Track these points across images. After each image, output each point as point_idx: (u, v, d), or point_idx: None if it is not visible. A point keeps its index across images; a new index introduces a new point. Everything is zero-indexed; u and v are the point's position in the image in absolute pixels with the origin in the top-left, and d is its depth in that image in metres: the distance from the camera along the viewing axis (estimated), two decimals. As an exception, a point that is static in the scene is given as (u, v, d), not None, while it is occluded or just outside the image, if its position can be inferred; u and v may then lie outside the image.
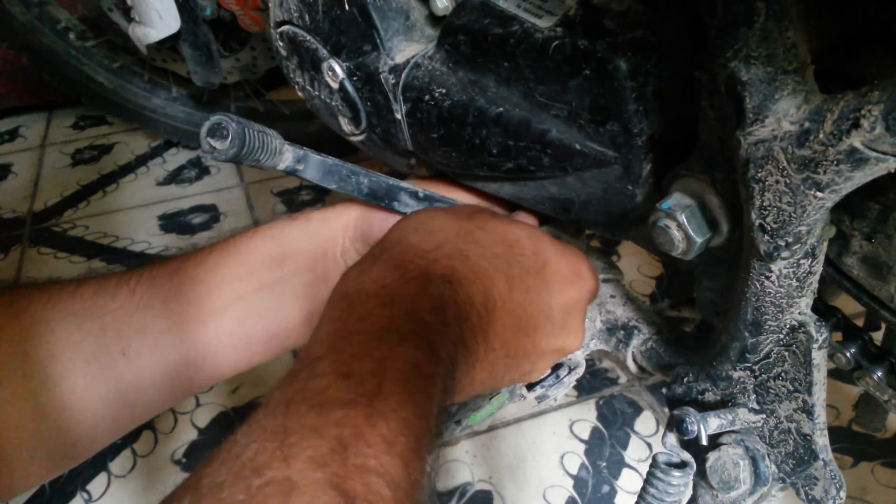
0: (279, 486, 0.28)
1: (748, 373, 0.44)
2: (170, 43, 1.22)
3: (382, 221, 0.55)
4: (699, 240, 0.41)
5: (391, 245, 0.45)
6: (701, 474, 0.46)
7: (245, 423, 0.32)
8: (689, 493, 0.45)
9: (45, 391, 0.47)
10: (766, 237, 0.37)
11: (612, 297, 0.59)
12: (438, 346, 0.38)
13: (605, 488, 0.89)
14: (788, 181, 0.34)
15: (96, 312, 0.49)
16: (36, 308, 0.48)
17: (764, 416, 0.44)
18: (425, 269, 0.42)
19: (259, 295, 0.52)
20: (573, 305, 0.49)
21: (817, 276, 0.40)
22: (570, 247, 0.51)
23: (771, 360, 0.43)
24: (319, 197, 1.49)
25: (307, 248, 0.54)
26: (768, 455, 0.45)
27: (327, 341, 0.38)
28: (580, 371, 0.59)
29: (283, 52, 0.59)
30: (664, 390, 0.51)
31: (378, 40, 0.52)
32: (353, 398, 0.33)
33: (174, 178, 1.60)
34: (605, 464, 0.92)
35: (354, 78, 0.54)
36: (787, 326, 0.41)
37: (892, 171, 0.31)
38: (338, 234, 0.55)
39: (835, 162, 0.32)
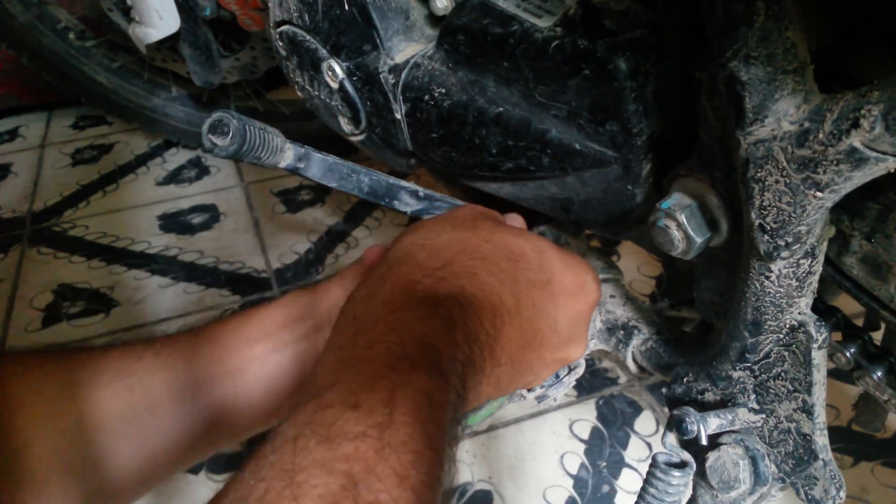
0: None
1: (748, 373, 0.44)
2: (170, 43, 1.22)
3: None
4: (699, 240, 0.41)
5: (397, 264, 0.45)
6: (701, 474, 0.46)
7: (252, 459, 0.32)
8: (688, 493, 0.45)
9: (76, 449, 0.48)
10: (766, 237, 0.37)
11: (612, 297, 0.59)
12: (449, 370, 0.38)
13: (605, 488, 0.89)
14: (788, 181, 0.34)
15: (124, 372, 0.51)
16: (67, 369, 0.50)
17: (764, 415, 0.44)
18: (433, 289, 0.42)
19: (273, 355, 0.54)
20: (578, 317, 0.49)
21: (817, 276, 0.40)
22: (575, 257, 0.51)
23: (771, 359, 0.43)
24: (319, 197, 1.49)
25: (316, 314, 0.55)
26: (768, 455, 0.45)
27: (335, 370, 0.37)
28: (580, 371, 0.59)
29: (283, 52, 0.59)
30: (664, 390, 0.51)
31: (378, 40, 0.52)
32: (363, 430, 0.32)
33: (174, 177, 1.60)
34: (604, 464, 0.92)
35: (354, 78, 0.54)
36: (787, 326, 0.41)
37: (892, 170, 0.31)
38: (342, 298, 0.56)
39: (834, 162, 0.32)
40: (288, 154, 0.49)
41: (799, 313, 0.41)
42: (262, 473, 0.30)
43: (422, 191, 0.55)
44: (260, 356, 0.54)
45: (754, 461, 0.45)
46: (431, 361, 0.37)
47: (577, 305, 0.49)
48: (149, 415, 0.51)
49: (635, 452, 0.93)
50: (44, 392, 0.48)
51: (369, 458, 0.31)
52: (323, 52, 0.54)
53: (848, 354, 0.48)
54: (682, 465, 0.43)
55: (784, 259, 0.38)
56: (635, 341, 0.56)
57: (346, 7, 0.52)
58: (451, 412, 0.37)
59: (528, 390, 0.57)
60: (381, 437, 0.32)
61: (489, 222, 0.50)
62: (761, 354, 0.43)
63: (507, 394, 0.48)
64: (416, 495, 0.31)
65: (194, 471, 0.94)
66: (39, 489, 0.46)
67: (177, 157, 1.67)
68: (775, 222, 0.36)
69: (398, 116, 0.53)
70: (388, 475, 0.31)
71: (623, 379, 1.04)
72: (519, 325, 0.44)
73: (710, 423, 0.43)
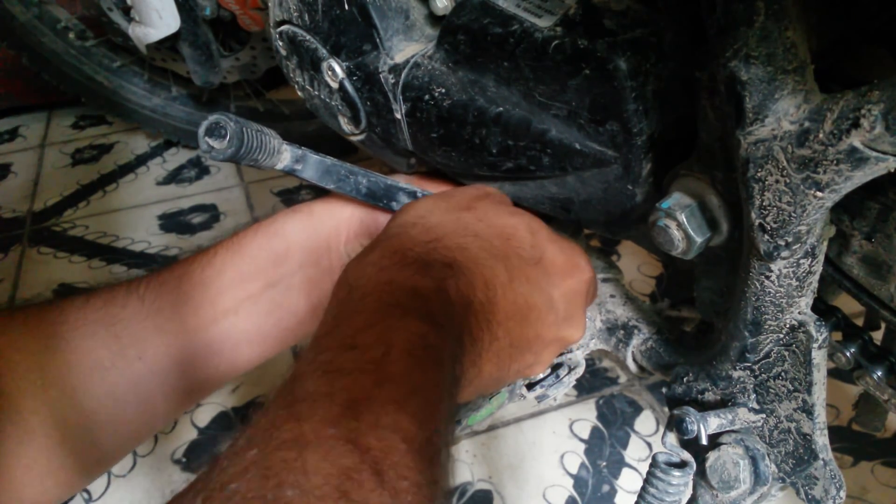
0: (294, 443, 0.29)
1: (748, 372, 0.44)
2: (169, 42, 1.22)
3: (386, 216, 0.55)
4: (699, 239, 0.41)
5: (389, 237, 0.45)
6: (701, 474, 0.46)
7: (257, 408, 0.33)
8: (688, 492, 0.45)
9: (66, 400, 0.47)
10: (766, 237, 0.37)
11: (612, 296, 0.59)
12: (444, 322, 0.38)
13: (605, 488, 0.89)
14: (788, 181, 0.34)
15: (108, 321, 0.50)
16: (49, 322, 0.49)
17: (764, 415, 0.44)
18: (425, 256, 0.42)
19: (267, 292, 0.53)
20: (573, 296, 0.49)
21: (817, 276, 0.40)
22: (567, 240, 0.51)
23: (771, 359, 0.43)
24: (319, 196, 1.49)
25: (310, 243, 0.54)
26: (768, 455, 0.45)
27: (331, 323, 0.38)
28: (580, 371, 0.59)
29: (283, 52, 0.59)
30: (664, 390, 0.51)
31: (378, 40, 0.52)
32: (360, 366, 0.33)
33: (174, 177, 1.60)
34: (604, 463, 0.92)
35: (354, 77, 0.54)
36: (787, 326, 0.41)
37: (892, 170, 0.31)
38: (341, 226, 0.55)
39: (835, 161, 0.32)
40: (285, 156, 0.49)
41: (799, 313, 0.41)
42: (267, 412, 0.31)
43: (420, 191, 0.55)
44: (252, 294, 0.53)
45: (754, 461, 0.45)
46: (423, 310, 0.38)
47: (571, 284, 0.49)
48: (139, 361, 0.49)
49: (635, 452, 0.93)
50: (28, 348, 0.47)
51: (368, 387, 0.32)
52: (323, 51, 0.54)
53: (848, 354, 0.48)
54: (682, 465, 0.43)
55: (784, 259, 0.38)
56: (635, 341, 0.56)
57: (346, 7, 0.52)
58: (450, 355, 0.37)
59: (528, 389, 0.57)
60: (378, 371, 0.33)
61: (485, 202, 0.50)
62: (761, 354, 0.43)
63: (510, 376, 0.47)
64: (416, 419, 0.32)
65: (194, 470, 0.94)
66: (29, 448, 0.45)
67: (177, 157, 1.67)
68: (775, 222, 0.36)
69: (398, 116, 0.53)
70: (388, 401, 0.32)
71: (623, 378, 1.04)
72: (514, 299, 0.44)
73: (711, 423, 0.43)
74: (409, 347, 0.35)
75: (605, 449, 0.94)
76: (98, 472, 0.51)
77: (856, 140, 0.31)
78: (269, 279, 0.53)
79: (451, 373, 0.37)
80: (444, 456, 0.33)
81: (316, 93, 0.58)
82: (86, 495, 0.91)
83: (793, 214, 0.35)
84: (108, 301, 0.51)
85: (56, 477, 0.47)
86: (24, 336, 0.48)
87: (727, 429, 0.45)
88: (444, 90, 0.50)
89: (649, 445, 0.94)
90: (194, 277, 0.52)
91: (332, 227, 0.55)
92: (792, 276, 0.39)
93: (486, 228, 0.46)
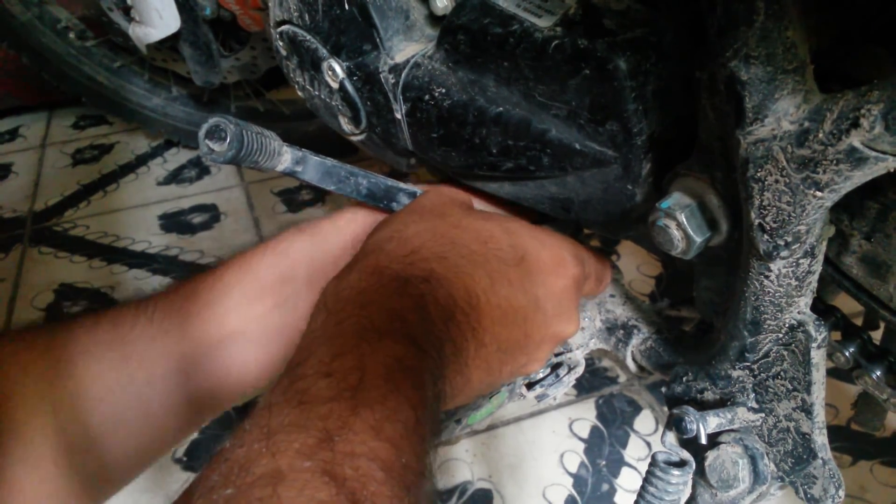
0: (269, 479, 0.29)
1: (747, 372, 0.44)
2: (170, 42, 1.22)
3: None
4: (698, 239, 0.41)
5: (366, 255, 0.45)
6: (700, 473, 0.46)
7: (233, 433, 0.33)
8: (688, 491, 0.46)
9: (76, 425, 0.48)
10: (766, 236, 0.37)
11: (612, 296, 0.59)
12: (423, 342, 0.38)
13: (605, 487, 0.89)
14: (788, 181, 0.34)
15: (117, 343, 0.50)
16: (57, 346, 0.49)
17: (763, 414, 0.44)
18: (402, 273, 0.42)
19: (275, 312, 0.53)
20: (561, 293, 0.49)
21: (816, 276, 0.40)
22: (553, 235, 0.50)
23: (770, 359, 0.43)
24: (319, 196, 1.49)
25: (316, 262, 0.54)
26: (767, 454, 0.45)
27: (308, 348, 0.38)
28: (580, 370, 0.59)
29: (283, 52, 0.59)
30: (663, 389, 0.51)
31: (378, 40, 0.52)
32: (336, 394, 0.33)
33: (174, 177, 1.60)
34: (604, 462, 0.92)
35: (354, 77, 0.54)
36: (787, 326, 0.41)
37: (892, 170, 0.31)
38: (346, 243, 0.55)
39: (834, 161, 0.32)
40: (285, 157, 0.49)
41: (798, 313, 0.41)
42: (240, 441, 0.31)
43: (420, 192, 0.55)
44: (260, 315, 0.53)
45: (753, 460, 0.45)
46: (400, 331, 0.38)
47: (557, 281, 0.48)
48: (148, 386, 0.50)
49: (635, 451, 0.93)
50: (37, 372, 0.48)
51: (343, 416, 0.32)
52: (323, 51, 0.54)
53: (847, 354, 0.48)
54: (681, 464, 0.43)
55: (783, 258, 0.38)
56: (635, 340, 0.56)
57: (347, 7, 0.52)
58: (430, 377, 0.37)
59: (528, 389, 0.57)
60: (354, 397, 0.33)
61: (458, 209, 0.50)
62: (760, 354, 0.43)
63: (503, 379, 0.47)
64: (393, 445, 0.32)
65: (195, 469, 0.94)
66: (38, 472, 0.45)
67: (177, 157, 1.67)
68: (775, 222, 0.36)
69: (398, 116, 0.53)
70: (364, 429, 0.32)
71: (623, 378, 1.04)
72: (498, 303, 0.44)
73: (710, 422, 0.44)
74: (386, 372, 0.35)
75: (604, 448, 0.94)
76: (108, 494, 0.51)
77: (855, 140, 0.31)
78: (276, 300, 0.53)
79: (433, 391, 0.37)
80: (423, 480, 0.33)
81: (316, 93, 0.58)
82: (86, 495, 0.91)
83: (792, 214, 0.35)
84: (117, 323, 0.51)
85: (65, 501, 0.47)
86: (32, 360, 0.48)
87: (726, 428, 0.45)
88: (444, 90, 0.50)
89: (649, 445, 0.94)
90: (201, 297, 0.52)
91: (336, 245, 0.55)
92: (791, 275, 0.39)
93: (462, 234, 0.46)
